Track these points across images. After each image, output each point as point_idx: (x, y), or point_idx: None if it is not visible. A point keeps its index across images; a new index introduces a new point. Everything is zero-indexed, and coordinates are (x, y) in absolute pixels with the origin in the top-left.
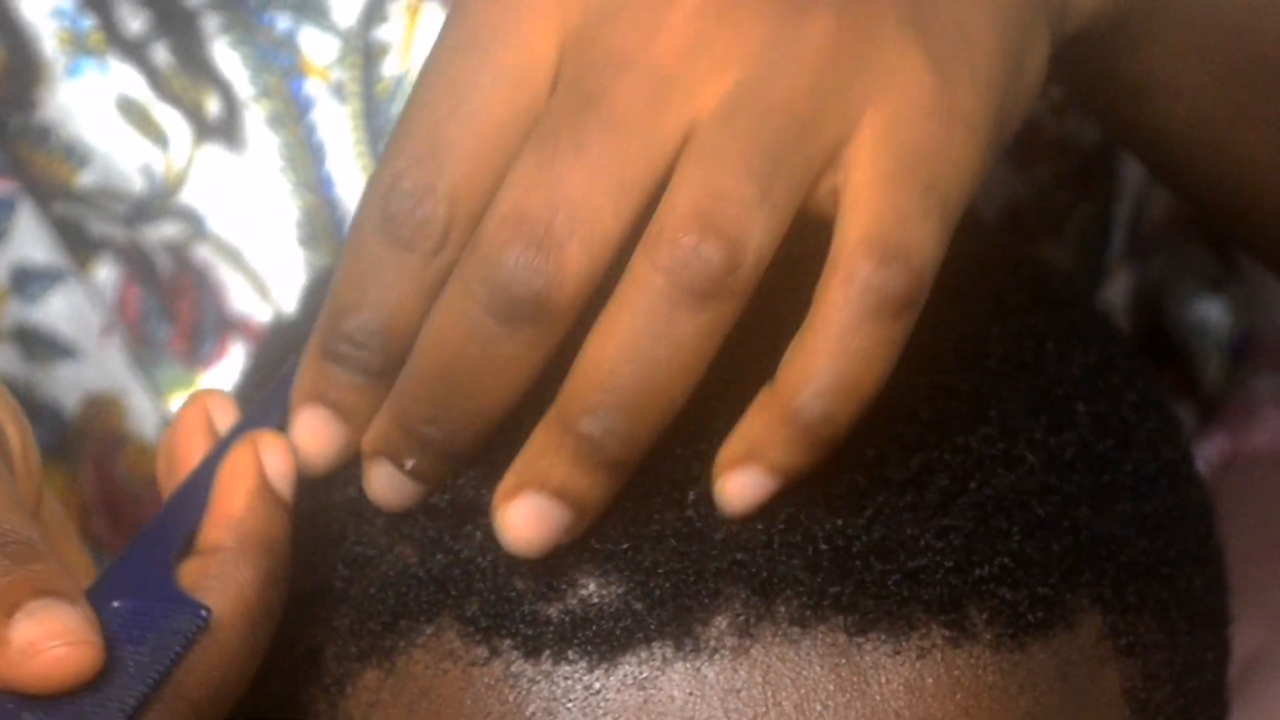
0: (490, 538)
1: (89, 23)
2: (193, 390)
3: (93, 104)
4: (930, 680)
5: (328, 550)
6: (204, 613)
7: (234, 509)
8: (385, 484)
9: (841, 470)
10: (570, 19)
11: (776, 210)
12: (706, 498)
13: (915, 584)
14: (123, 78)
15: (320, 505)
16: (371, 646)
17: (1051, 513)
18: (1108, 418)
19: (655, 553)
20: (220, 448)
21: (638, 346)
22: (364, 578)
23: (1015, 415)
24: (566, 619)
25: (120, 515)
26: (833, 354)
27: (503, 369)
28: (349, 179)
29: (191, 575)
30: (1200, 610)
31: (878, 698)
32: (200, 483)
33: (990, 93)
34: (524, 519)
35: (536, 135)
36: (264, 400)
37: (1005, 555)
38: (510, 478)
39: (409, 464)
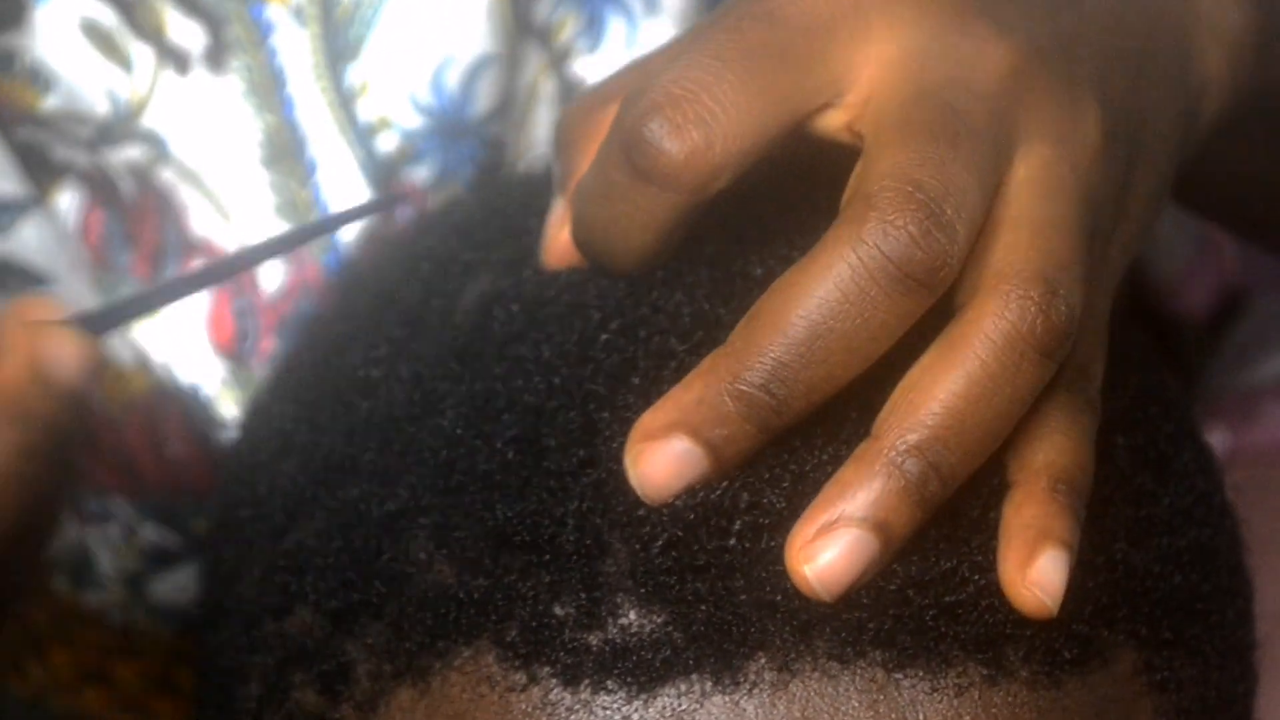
0: (531, 564)
1: None
2: (154, 316)
3: (58, 28)
4: (967, 718)
5: (362, 566)
6: None
7: None
8: (672, 461)
9: None
10: (886, 51)
11: (1084, 284)
12: (751, 528)
13: (953, 620)
14: (89, 3)
15: (355, 520)
16: (407, 665)
17: (1088, 548)
18: (1145, 451)
19: (697, 583)
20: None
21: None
22: (401, 595)
23: None
24: (607, 648)
25: (99, 442)
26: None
27: (873, 335)
28: (309, 101)
29: None
30: (1231, 643)
31: None
32: None
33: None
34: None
35: (914, 124)
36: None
37: None
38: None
39: (717, 434)
